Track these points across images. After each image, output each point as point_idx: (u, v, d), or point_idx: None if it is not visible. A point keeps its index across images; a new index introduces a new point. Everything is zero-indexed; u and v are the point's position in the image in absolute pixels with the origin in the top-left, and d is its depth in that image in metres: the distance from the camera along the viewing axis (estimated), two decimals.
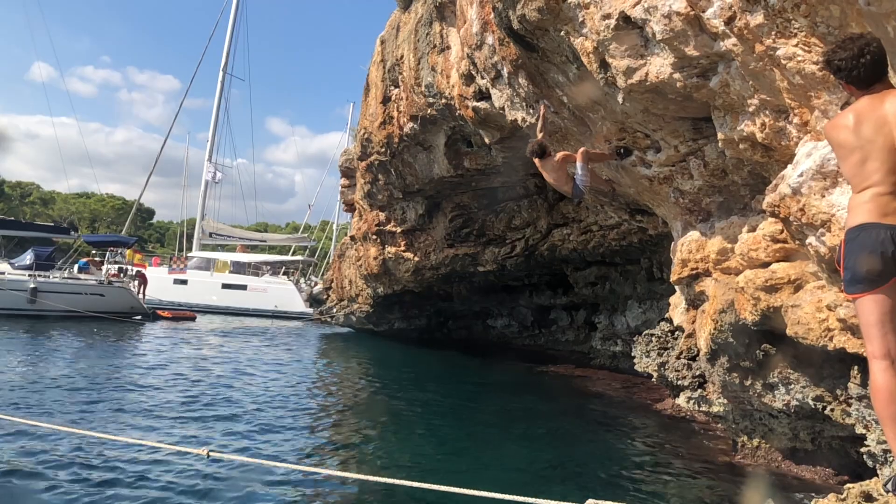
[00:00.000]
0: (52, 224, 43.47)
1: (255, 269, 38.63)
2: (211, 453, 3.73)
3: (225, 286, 35.54)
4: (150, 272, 32.97)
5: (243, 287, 35.58)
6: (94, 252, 32.16)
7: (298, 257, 44.50)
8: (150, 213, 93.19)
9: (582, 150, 7.90)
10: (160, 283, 33.64)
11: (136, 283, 28.03)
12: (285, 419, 11.20)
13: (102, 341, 19.45)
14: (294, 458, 8.93)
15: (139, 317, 26.33)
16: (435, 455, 9.67)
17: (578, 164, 7.76)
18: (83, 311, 23.91)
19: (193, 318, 28.90)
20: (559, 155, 7.93)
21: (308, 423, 11.19)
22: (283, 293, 35.33)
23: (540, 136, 8.04)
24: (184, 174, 59.42)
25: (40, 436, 8.76)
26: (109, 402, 11.46)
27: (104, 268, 27.96)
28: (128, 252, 29.64)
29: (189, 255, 40.52)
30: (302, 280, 40.74)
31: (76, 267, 28.04)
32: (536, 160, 8.00)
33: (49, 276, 24.83)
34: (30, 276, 24.24)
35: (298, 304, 34.59)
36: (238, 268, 37.77)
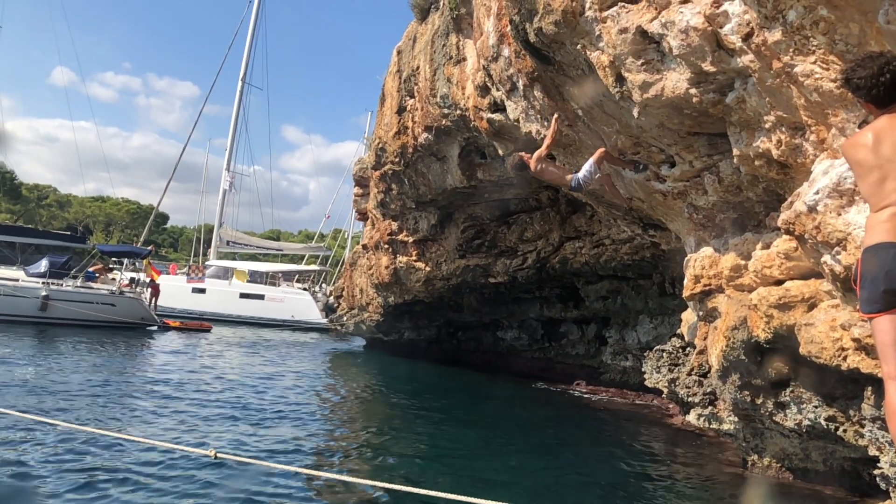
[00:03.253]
0: (68, 230, 43.67)
1: (272, 279, 38.68)
2: (218, 455, 3.73)
3: (243, 296, 35.56)
4: (167, 280, 32.93)
5: (261, 297, 35.57)
6: (113, 260, 32.11)
7: (314, 267, 44.52)
8: (164, 217, 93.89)
9: (602, 150, 7.87)
10: (178, 292, 33.68)
11: (148, 293, 28.09)
12: (293, 426, 11.22)
13: (111, 349, 19.52)
14: (301, 461, 8.96)
15: (153, 327, 26.43)
16: (441, 463, 9.67)
17: (591, 160, 7.76)
18: (93, 319, 24.04)
19: (209, 329, 28.55)
20: (531, 162, 8.05)
21: (316, 430, 11.23)
22: (300, 303, 35.29)
23: (544, 149, 8.05)
24: (202, 180, 59.65)
25: (50, 433, 8.86)
26: (117, 404, 11.54)
27: (118, 277, 28.04)
28: (144, 262, 29.64)
29: (207, 263, 40.55)
30: (318, 289, 40.71)
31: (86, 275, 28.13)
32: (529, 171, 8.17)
33: (61, 285, 24.98)
34: (42, 283, 24.40)
35: (315, 314, 34.54)
36: (255, 277, 37.81)
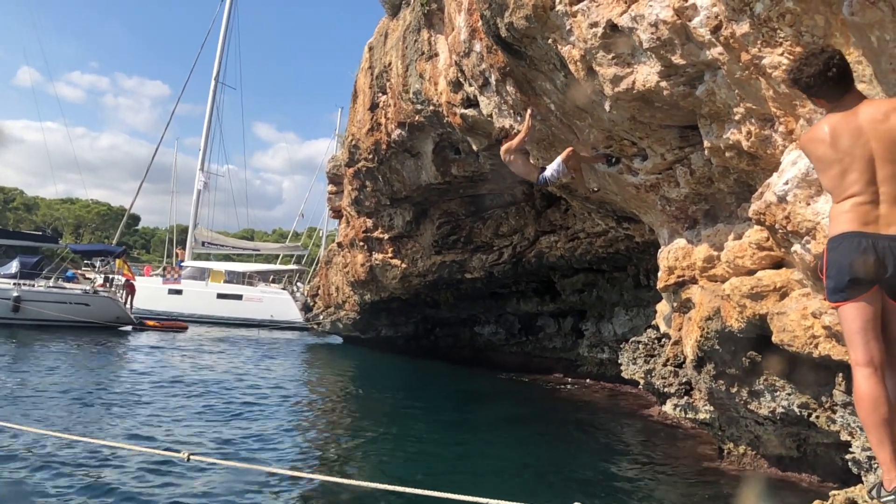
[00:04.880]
0: (38, 231, 42.88)
1: (250, 279, 38.35)
2: (191, 457, 3.69)
3: (220, 296, 35.17)
4: (143, 282, 32.51)
5: (238, 297, 35.22)
6: (85, 262, 31.67)
7: (293, 266, 44.17)
8: (136, 219, 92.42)
9: (570, 149, 7.83)
10: (155, 293, 33.26)
11: (123, 292, 27.70)
12: (268, 425, 11.14)
13: (85, 350, 19.26)
14: (275, 462, 8.89)
15: (128, 327, 26.09)
16: (421, 460, 9.65)
17: (559, 158, 7.72)
18: (67, 320, 23.67)
19: (185, 329, 28.32)
20: (502, 150, 8.05)
21: (291, 429, 11.15)
22: (279, 303, 35.00)
23: (516, 142, 8.03)
24: (172, 180, 58.83)
25: (18, 439, 8.70)
26: (89, 407, 11.36)
27: (93, 277, 27.64)
28: (118, 262, 29.22)
29: (182, 264, 40.02)
30: (296, 288, 40.41)
31: (64, 277, 27.68)
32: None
33: (34, 285, 24.55)
34: (14, 284, 23.96)
35: (294, 314, 34.28)
36: (232, 277, 37.43)
